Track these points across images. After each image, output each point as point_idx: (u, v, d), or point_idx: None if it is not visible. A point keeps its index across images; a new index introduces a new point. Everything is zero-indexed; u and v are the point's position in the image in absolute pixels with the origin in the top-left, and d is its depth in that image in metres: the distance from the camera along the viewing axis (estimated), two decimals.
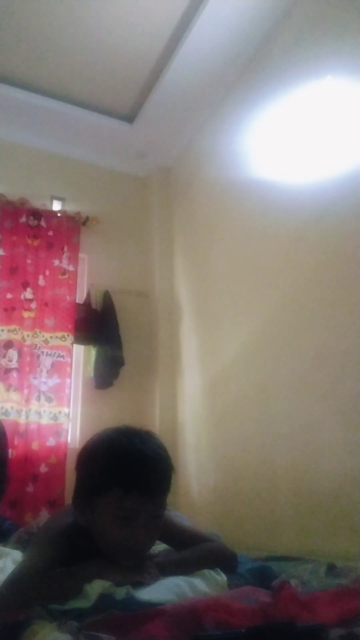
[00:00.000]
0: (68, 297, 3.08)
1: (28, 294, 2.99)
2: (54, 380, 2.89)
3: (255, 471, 2.31)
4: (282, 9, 2.48)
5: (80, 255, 3.23)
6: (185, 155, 3.45)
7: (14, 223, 3.08)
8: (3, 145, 3.25)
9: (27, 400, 2.80)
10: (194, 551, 1.12)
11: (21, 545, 1.38)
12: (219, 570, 1.03)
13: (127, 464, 1.00)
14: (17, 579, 0.94)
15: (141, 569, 0.98)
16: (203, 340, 2.97)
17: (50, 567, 0.97)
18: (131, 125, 3.31)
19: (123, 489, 0.98)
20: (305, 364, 2.10)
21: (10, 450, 2.58)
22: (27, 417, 2.77)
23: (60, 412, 2.85)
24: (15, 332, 2.87)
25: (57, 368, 2.92)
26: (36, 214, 3.15)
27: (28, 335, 2.91)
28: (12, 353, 2.83)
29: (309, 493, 1.97)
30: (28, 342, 2.89)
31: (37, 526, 1.46)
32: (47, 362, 2.91)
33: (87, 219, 3.30)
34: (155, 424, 3.05)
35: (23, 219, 3.10)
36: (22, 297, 2.96)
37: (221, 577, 1.00)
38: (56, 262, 3.11)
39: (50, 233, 3.16)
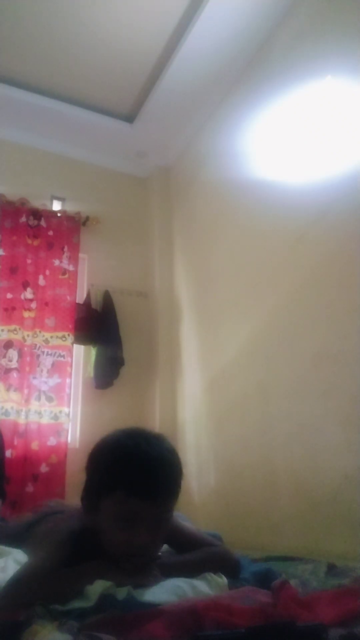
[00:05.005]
0: (68, 297, 3.08)
1: (28, 293, 2.99)
2: (54, 380, 2.89)
3: (255, 471, 2.31)
4: (282, 9, 2.48)
5: (80, 255, 3.23)
6: (185, 155, 3.45)
7: (14, 223, 3.08)
8: (3, 145, 3.25)
9: (27, 400, 2.80)
10: (197, 554, 1.11)
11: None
12: (220, 573, 1.03)
13: (131, 466, 0.99)
14: (21, 579, 0.95)
15: (144, 570, 0.99)
16: (203, 340, 2.97)
17: (55, 568, 0.97)
18: (131, 125, 3.31)
19: (126, 491, 0.98)
20: (305, 363, 2.10)
21: (10, 451, 2.59)
22: (26, 417, 2.77)
23: (60, 412, 2.85)
24: (15, 332, 2.87)
25: (58, 368, 2.92)
26: (36, 214, 3.15)
27: (28, 335, 2.91)
28: (12, 353, 2.83)
29: (309, 493, 1.97)
30: (28, 342, 2.89)
31: (17, 524, 1.44)
32: (47, 361, 2.91)
33: (87, 219, 3.30)
34: (155, 424, 3.05)
35: (23, 219, 3.10)
36: (22, 297, 2.96)
37: (222, 580, 1.00)
38: (56, 262, 3.12)
39: (50, 233, 3.16)
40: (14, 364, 2.81)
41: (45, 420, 2.80)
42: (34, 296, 3.00)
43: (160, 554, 1.14)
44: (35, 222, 3.14)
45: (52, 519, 1.34)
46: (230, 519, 2.42)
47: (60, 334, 2.99)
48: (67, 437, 2.83)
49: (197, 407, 2.91)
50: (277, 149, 2.45)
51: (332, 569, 1.18)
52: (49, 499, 2.59)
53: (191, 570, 1.03)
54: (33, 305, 2.98)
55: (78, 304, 3.14)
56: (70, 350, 2.98)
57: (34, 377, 2.86)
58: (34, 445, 2.74)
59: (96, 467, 1.06)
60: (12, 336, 2.86)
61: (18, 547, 1.27)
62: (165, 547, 1.20)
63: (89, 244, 3.31)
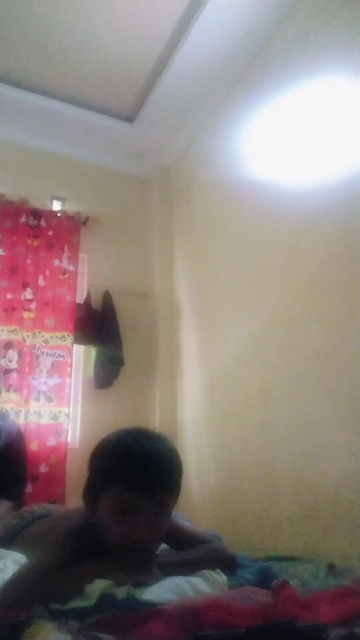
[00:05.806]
0: (68, 297, 3.08)
1: (28, 294, 2.99)
2: (54, 380, 2.89)
3: (255, 471, 2.31)
4: (282, 9, 2.48)
5: (80, 255, 3.23)
6: (185, 155, 3.45)
7: (14, 223, 3.08)
8: (3, 145, 3.25)
9: (27, 401, 2.80)
10: (195, 552, 1.13)
11: None
12: (219, 570, 1.03)
13: (130, 461, 1.01)
14: (20, 578, 0.95)
15: (143, 568, 0.99)
16: (203, 340, 2.97)
17: (57, 567, 0.97)
18: (131, 125, 3.31)
19: (124, 485, 1.00)
20: (305, 364, 2.10)
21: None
22: (26, 417, 2.76)
23: (60, 412, 2.85)
24: (15, 333, 2.87)
25: (58, 368, 2.92)
26: (36, 214, 3.15)
27: (28, 336, 2.90)
28: (12, 353, 2.83)
29: (309, 493, 1.97)
30: (28, 342, 2.89)
31: (5, 529, 1.44)
32: (47, 362, 2.91)
33: (87, 219, 3.30)
34: (155, 424, 3.05)
35: (23, 219, 3.10)
36: (22, 297, 2.96)
37: (221, 578, 1.00)
38: (56, 262, 3.11)
39: (50, 233, 3.16)
40: (13, 365, 2.81)
41: (45, 420, 2.80)
42: (34, 296, 2.99)
43: (158, 552, 1.14)
44: (35, 222, 3.14)
45: (46, 520, 1.35)
46: (230, 519, 2.42)
47: (60, 334, 2.99)
48: (66, 438, 2.83)
49: (197, 407, 2.91)
50: (276, 149, 2.45)
51: (332, 569, 1.18)
52: (49, 499, 2.60)
53: (189, 567, 1.04)
54: (33, 305, 2.98)
55: (78, 304, 3.13)
56: (70, 351, 2.98)
57: (34, 378, 2.85)
58: (34, 446, 2.73)
59: (97, 463, 1.08)
60: (12, 336, 2.86)
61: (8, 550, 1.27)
62: (164, 545, 1.20)
63: (89, 244, 3.31)
